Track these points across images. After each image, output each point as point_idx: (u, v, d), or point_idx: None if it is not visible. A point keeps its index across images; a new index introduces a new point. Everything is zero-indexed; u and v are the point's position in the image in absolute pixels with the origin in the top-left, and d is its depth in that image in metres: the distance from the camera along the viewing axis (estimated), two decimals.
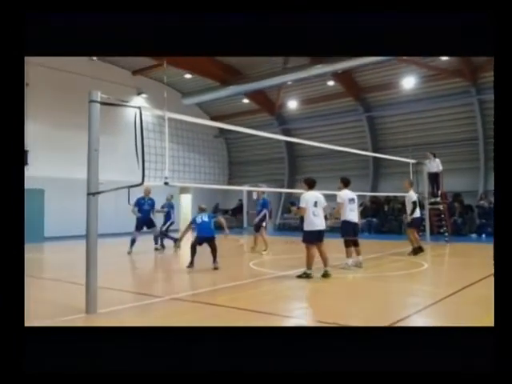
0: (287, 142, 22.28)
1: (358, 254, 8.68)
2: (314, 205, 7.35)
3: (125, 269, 9.95)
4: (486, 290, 5.83)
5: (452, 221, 15.83)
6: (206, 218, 8.85)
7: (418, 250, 10.35)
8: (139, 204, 12.07)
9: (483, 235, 15.85)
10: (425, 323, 4.83)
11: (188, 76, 20.64)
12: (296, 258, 9.11)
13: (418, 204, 10.49)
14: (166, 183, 6.08)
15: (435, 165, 13.99)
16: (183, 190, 22.10)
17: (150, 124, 6.43)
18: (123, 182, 5.83)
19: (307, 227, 7.43)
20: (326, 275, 7.40)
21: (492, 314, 2.87)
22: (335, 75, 18.79)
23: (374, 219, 18.92)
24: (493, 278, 6.26)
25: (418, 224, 10.89)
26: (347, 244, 8.60)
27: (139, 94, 20.83)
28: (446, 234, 13.70)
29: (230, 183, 25.25)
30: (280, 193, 23.17)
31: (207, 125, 10.16)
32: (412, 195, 10.52)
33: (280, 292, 6.67)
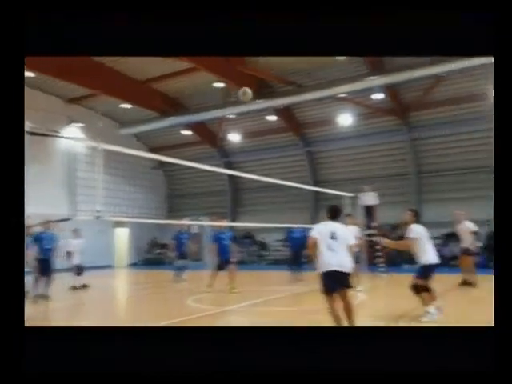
0: (229, 175, 22.20)
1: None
2: (330, 237, 5.28)
3: None
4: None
5: (387, 252, 16.25)
6: None
7: (468, 282, 10.17)
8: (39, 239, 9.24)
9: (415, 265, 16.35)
10: None
11: (127, 106, 20.17)
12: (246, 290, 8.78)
13: None
14: (97, 217, 5.71)
15: (371, 198, 14.38)
16: (118, 224, 21.23)
17: (82, 155, 6.06)
18: (49, 215, 5.36)
19: (320, 268, 5.30)
20: None
21: None
22: (276, 110, 19.16)
23: None
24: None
25: (473, 253, 10.82)
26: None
27: (71, 122, 19.90)
28: (382, 264, 13.96)
29: (168, 217, 24.63)
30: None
31: (145, 156, 9.80)
32: (470, 225, 10.49)
33: None
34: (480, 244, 10.57)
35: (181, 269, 12.93)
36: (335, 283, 5.13)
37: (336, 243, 5.20)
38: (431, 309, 6.16)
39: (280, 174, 17.74)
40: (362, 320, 6.55)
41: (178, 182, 25.43)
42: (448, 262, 15.74)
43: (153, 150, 22.79)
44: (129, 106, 19.59)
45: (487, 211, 16.43)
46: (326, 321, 6.58)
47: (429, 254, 6.26)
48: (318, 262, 5.23)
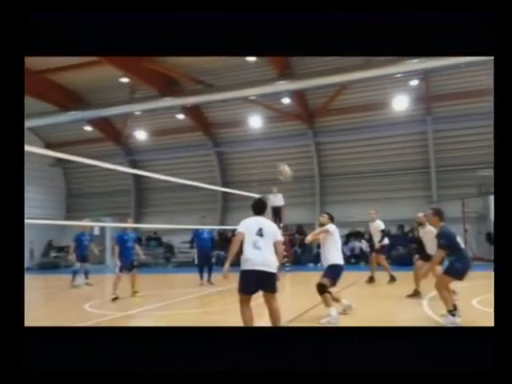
0: (134, 174, 21.33)
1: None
2: (256, 233, 4.85)
3: None
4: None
5: (293, 251, 16.79)
6: None
7: (392, 278, 10.57)
8: None
9: (319, 264, 17.10)
10: None
11: None
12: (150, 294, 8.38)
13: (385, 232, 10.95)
14: None
15: (277, 199, 14.70)
16: None
17: None
18: None
19: (242, 265, 4.84)
20: None
21: None
22: (184, 109, 18.81)
23: (222, 252, 19.08)
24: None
25: (386, 251, 11.38)
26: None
27: None
28: (287, 264, 14.37)
29: (67, 217, 23.03)
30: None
31: (41, 153, 8.95)
32: (380, 224, 10.88)
33: None
34: (387, 242, 11.15)
35: (79, 272, 12.14)
36: (257, 284, 4.72)
37: (262, 240, 4.80)
38: (333, 311, 6.04)
39: (188, 174, 17.45)
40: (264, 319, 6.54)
41: (78, 181, 23.88)
42: (349, 260, 16.71)
43: (50, 145, 21.16)
44: None
45: (385, 212, 17.75)
46: (229, 321, 6.52)
47: (337, 255, 6.37)
48: (241, 258, 4.79)
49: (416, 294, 8.07)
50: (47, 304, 7.48)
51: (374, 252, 11.17)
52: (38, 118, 19.05)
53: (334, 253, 6.36)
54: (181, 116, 19.68)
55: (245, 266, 4.73)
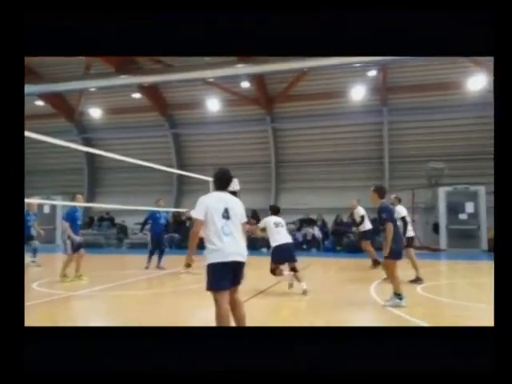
0: (87, 153, 20.66)
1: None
2: (222, 215, 3.97)
3: None
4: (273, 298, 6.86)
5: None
6: None
7: (376, 262, 10.62)
8: None
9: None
10: None
11: None
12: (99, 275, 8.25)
13: (365, 217, 11.25)
14: None
15: (234, 184, 14.70)
16: None
17: None
18: None
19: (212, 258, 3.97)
20: None
21: None
22: (141, 88, 18.33)
23: (177, 235, 18.98)
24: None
25: (369, 236, 11.41)
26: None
27: None
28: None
29: None
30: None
31: None
32: (360, 210, 11.36)
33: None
34: (369, 227, 11.42)
35: (29, 252, 11.71)
36: (233, 278, 3.95)
37: (231, 224, 3.95)
38: (304, 285, 7.13)
39: (144, 155, 17.02)
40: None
41: (28, 157, 22.85)
42: (301, 246, 16.99)
43: None
44: None
45: (338, 200, 18.08)
46: (177, 304, 6.54)
47: (274, 238, 7.31)
48: (208, 249, 3.94)
49: (418, 280, 8.29)
50: None
51: (359, 239, 11.69)
52: None
53: (271, 238, 7.36)
54: (137, 95, 19.16)
55: (217, 258, 3.86)
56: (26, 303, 6.13)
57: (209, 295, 3.98)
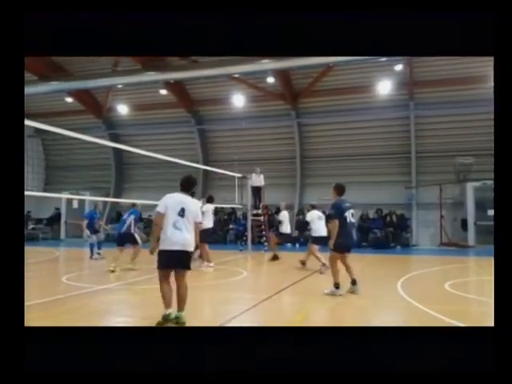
0: (115, 148, 21.07)
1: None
2: (178, 213, 4.91)
3: None
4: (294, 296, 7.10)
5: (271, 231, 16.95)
6: None
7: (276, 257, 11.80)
8: None
9: (297, 245, 17.33)
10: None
11: None
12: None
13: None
14: None
15: (259, 179, 14.78)
16: None
17: None
18: None
19: (162, 245, 4.93)
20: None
21: None
22: (168, 84, 18.55)
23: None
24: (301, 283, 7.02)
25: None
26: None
27: None
28: (266, 243, 14.56)
29: (45, 190, 22.73)
30: (105, 202, 21.73)
31: None
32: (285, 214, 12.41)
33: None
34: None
35: (94, 246, 12.67)
36: (174, 262, 4.85)
37: (183, 221, 4.84)
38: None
39: (170, 151, 17.25)
40: (240, 296, 6.83)
41: (58, 153, 23.49)
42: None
43: (29, 116, 20.64)
44: None
45: (364, 195, 17.92)
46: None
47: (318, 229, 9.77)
48: (161, 237, 4.85)
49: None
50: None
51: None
52: None
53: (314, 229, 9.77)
54: (164, 91, 19.41)
55: (164, 246, 4.81)
56: (55, 297, 6.49)
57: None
